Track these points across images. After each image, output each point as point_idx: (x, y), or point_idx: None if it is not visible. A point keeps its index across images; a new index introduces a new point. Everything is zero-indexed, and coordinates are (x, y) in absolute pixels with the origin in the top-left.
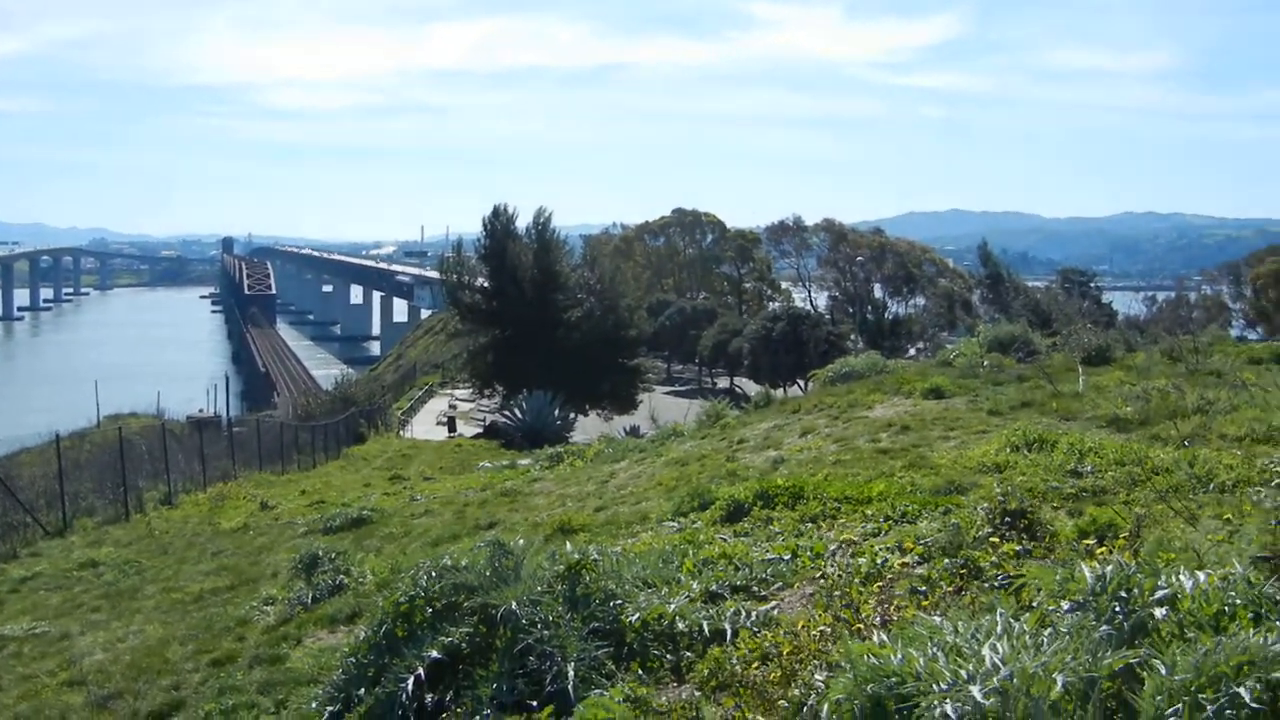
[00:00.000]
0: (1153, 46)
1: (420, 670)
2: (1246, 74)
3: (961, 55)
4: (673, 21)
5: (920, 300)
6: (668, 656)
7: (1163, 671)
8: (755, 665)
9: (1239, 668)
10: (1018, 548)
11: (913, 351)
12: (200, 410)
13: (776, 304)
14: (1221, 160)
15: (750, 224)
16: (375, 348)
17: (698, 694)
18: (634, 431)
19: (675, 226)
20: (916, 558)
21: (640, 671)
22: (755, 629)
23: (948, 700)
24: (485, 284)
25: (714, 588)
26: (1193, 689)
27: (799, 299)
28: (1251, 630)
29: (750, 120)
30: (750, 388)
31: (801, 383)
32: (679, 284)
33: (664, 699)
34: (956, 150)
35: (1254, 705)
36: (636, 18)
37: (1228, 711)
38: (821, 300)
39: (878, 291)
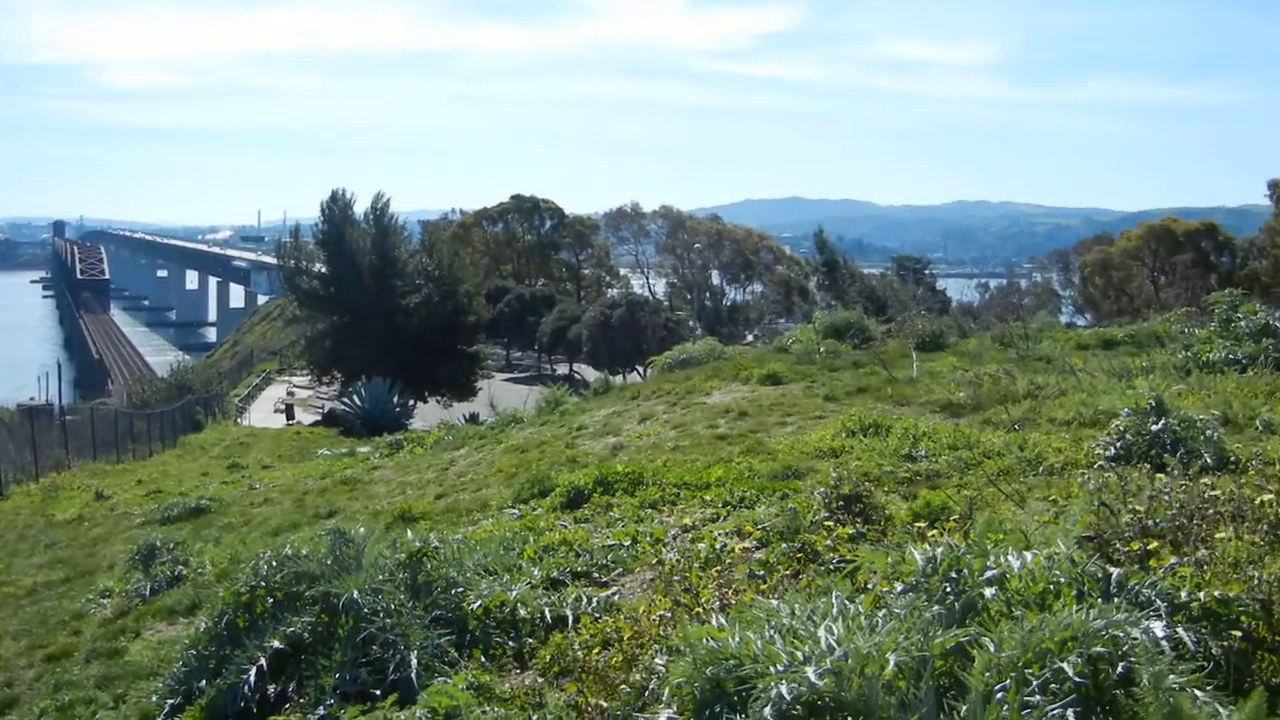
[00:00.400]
0: (984, 39)
1: (262, 661)
2: (1073, 66)
3: (799, 44)
4: (511, 6)
5: (758, 287)
6: (510, 643)
7: (991, 649)
8: (597, 650)
9: (1063, 643)
10: (853, 531)
11: (750, 338)
12: (31, 398)
13: (615, 290)
14: (1050, 150)
15: (589, 210)
16: (212, 334)
17: (540, 680)
18: (474, 418)
19: (514, 213)
20: (755, 542)
21: (483, 659)
22: (596, 615)
23: (784, 681)
24: (323, 270)
25: (555, 574)
26: (1020, 665)
27: (638, 285)
28: (1075, 607)
29: (590, 107)
30: (590, 374)
31: (640, 369)
32: (518, 270)
33: (507, 686)
34: (794, 139)
35: (1077, 679)
36: (473, 2)
37: (1052, 685)
38: (660, 287)
39: (716, 278)
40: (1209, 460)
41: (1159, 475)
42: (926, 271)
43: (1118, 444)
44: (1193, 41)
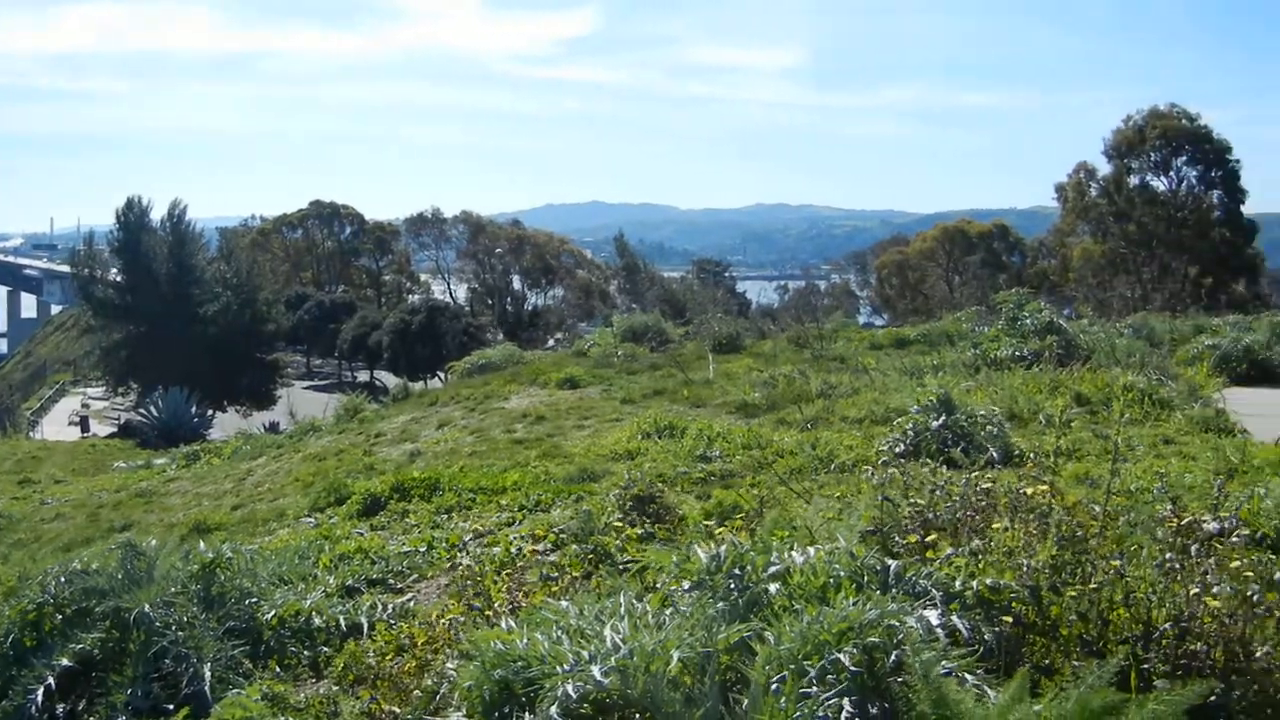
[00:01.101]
0: (786, 44)
1: (50, 680)
2: (871, 72)
3: (601, 49)
4: (316, 9)
5: (559, 291)
6: (305, 653)
7: (772, 642)
8: (391, 657)
9: (840, 635)
10: (642, 532)
11: (552, 342)
12: None
13: (416, 296)
14: (849, 154)
15: (390, 216)
16: (2, 345)
17: (335, 688)
18: (273, 427)
19: (313, 219)
20: (549, 545)
21: (278, 669)
22: (391, 621)
23: (570, 680)
24: (118, 278)
25: (350, 582)
26: (799, 657)
27: (439, 291)
28: (853, 599)
29: (393, 112)
30: (390, 381)
31: (440, 375)
32: (317, 277)
33: (302, 695)
34: (596, 143)
35: (853, 668)
36: (279, 5)
37: (829, 675)
38: (461, 292)
39: (517, 283)
40: (994, 454)
41: (944, 470)
42: (727, 274)
43: (907, 440)
44: (985, 49)
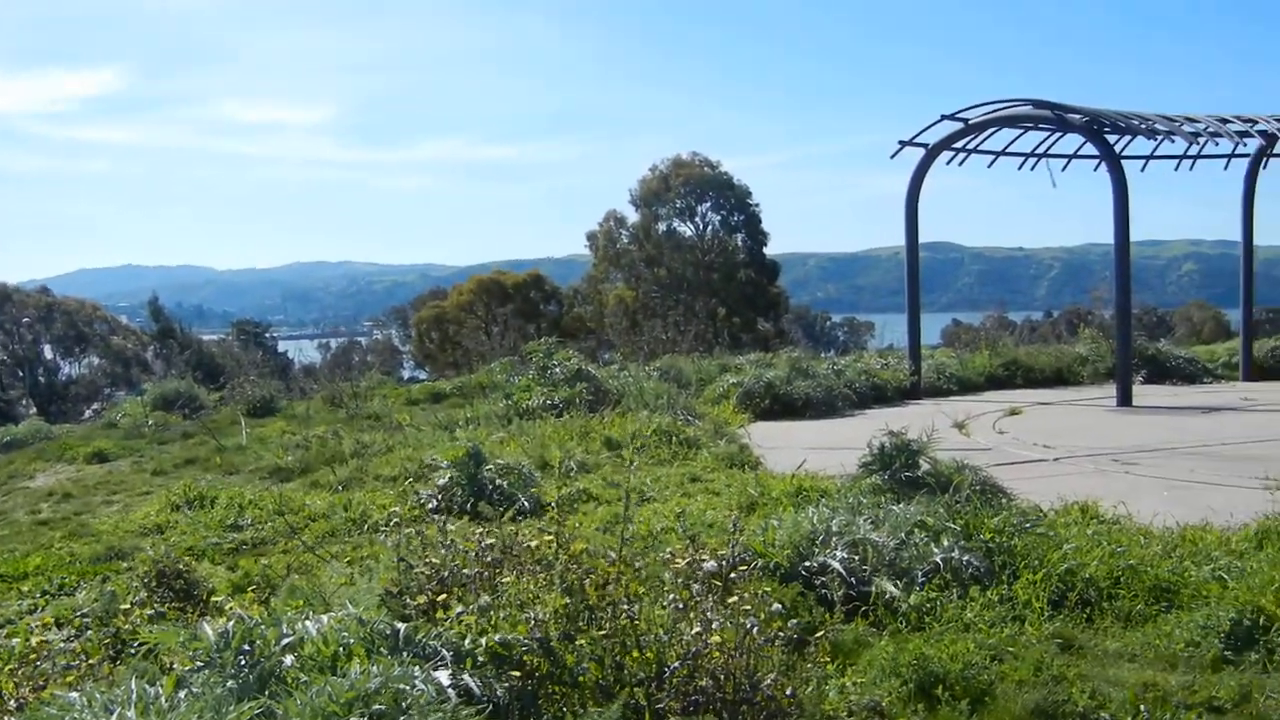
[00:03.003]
0: (315, 100)
1: None
2: (403, 128)
3: (128, 108)
4: None
5: (95, 360)
6: None
7: (280, 717)
8: None
9: (348, 704)
10: (152, 611)
11: (88, 413)
12: None
13: None
14: (387, 209)
15: None
16: None
17: None
18: None
19: None
20: (72, 631)
21: None
22: None
23: None
24: None
25: None
26: None
27: None
28: (362, 666)
29: None
30: None
31: None
32: None
33: None
34: (127, 205)
35: None
36: None
37: None
38: None
39: (49, 353)
40: (525, 504)
41: (475, 524)
42: (267, 334)
43: (439, 496)
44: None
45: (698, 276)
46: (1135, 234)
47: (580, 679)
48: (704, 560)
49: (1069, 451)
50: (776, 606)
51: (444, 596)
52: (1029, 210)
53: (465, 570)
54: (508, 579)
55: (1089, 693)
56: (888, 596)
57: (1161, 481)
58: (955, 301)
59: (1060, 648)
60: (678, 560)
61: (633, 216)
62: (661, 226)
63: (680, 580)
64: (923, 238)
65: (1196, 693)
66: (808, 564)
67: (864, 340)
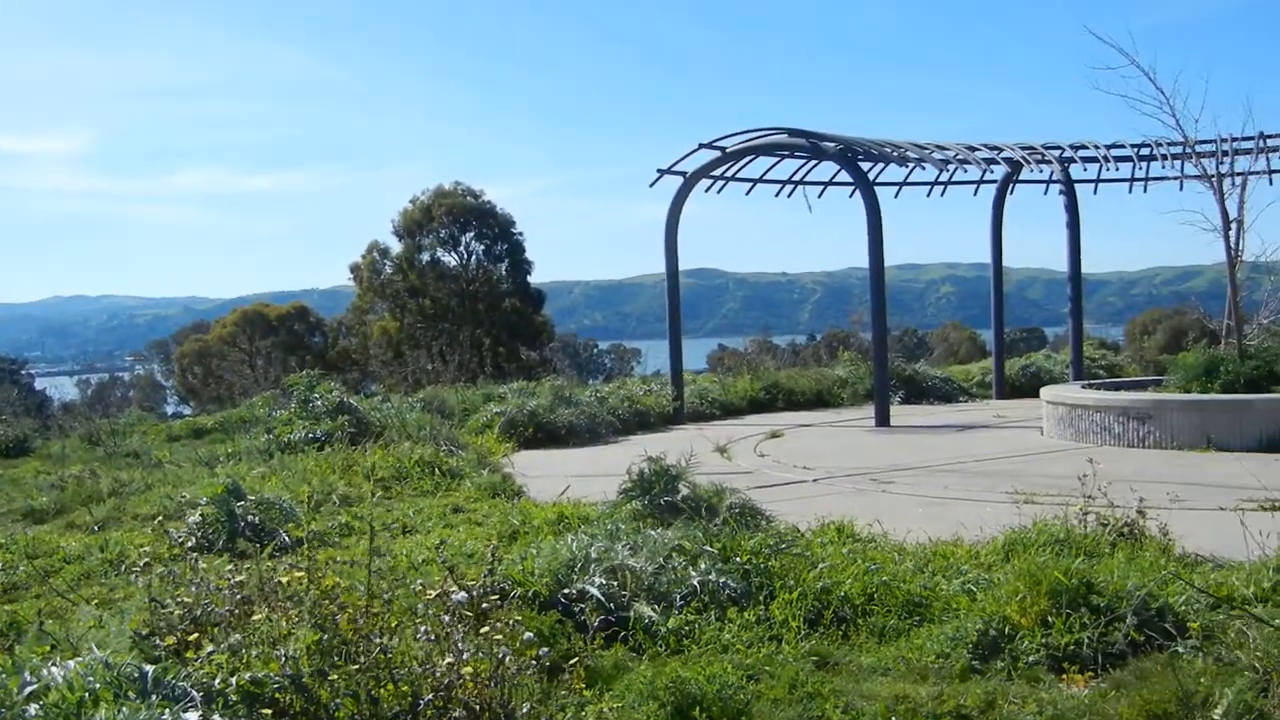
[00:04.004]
0: (65, 130)
1: None
2: (162, 157)
3: None
4: None
5: None
6: None
7: None
8: None
9: None
10: None
11: None
12: None
13: None
14: (148, 241)
15: None
16: None
17: None
18: None
19: None
20: None
21: None
22: None
23: None
24: None
25: None
26: None
27: None
28: (105, 712)
29: None
30: None
31: None
32: None
33: None
34: None
35: None
36: None
37: None
38: None
39: None
40: (285, 539)
41: (236, 561)
42: (23, 371)
43: (199, 533)
44: (281, 130)
45: (462, 306)
46: (895, 258)
47: (336, 714)
48: (453, 591)
49: (828, 472)
50: (529, 635)
51: (196, 636)
52: (792, 236)
53: (218, 609)
54: (259, 616)
55: (842, 707)
56: (646, 621)
57: (917, 499)
58: (720, 327)
59: (816, 665)
60: (429, 591)
61: (396, 247)
62: (425, 256)
63: (432, 612)
64: (688, 264)
65: (945, 702)
66: (567, 591)
67: (630, 367)
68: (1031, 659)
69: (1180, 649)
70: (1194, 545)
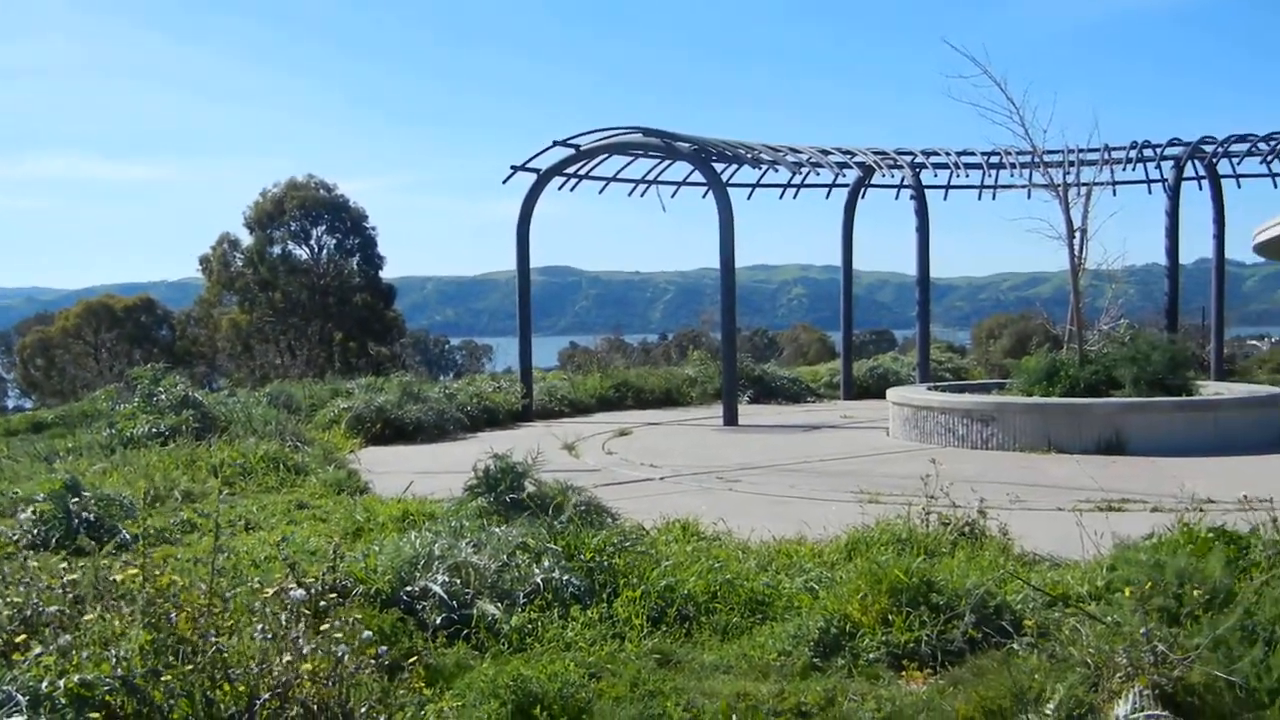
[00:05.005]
0: None
1: None
2: (12, 143)
3: None
4: None
5: None
6: None
7: None
8: None
9: None
10: None
11: None
12: None
13: None
14: None
15: None
16: None
17: None
18: None
19: None
20: None
21: None
22: None
23: None
24: None
25: None
26: None
27: None
28: None
29: None
30: None
31: None
32: None
33: None
34: None
35: None
36: None
37: None
38: None
39: None
40: (126, 536)
41: (73, 559)
42: None
43: (34, 531)
44: (133, 120)
45: (313, 300)
46: (749, 259)
47: (170, 716)
48: (291, 588)
49: (675, 471)
50: (368, 634)
51: (24, 638)
52: (646, 236)
53: (49, 608)
54: (91, 616)
55: (684, 705)
56: (489, 619)
57: (762, 498)
58: (573, 325)
59: (659, 663)
60: (266, 589)
61: (247, 239)
62: (276, 250)
63: (269, 610)
64: (542, 261)
65: (786, 699)
66: (410, 589)
67: (482, 363)
68: (872, 656)
69: (1016, 646)
70: (1032, 545)
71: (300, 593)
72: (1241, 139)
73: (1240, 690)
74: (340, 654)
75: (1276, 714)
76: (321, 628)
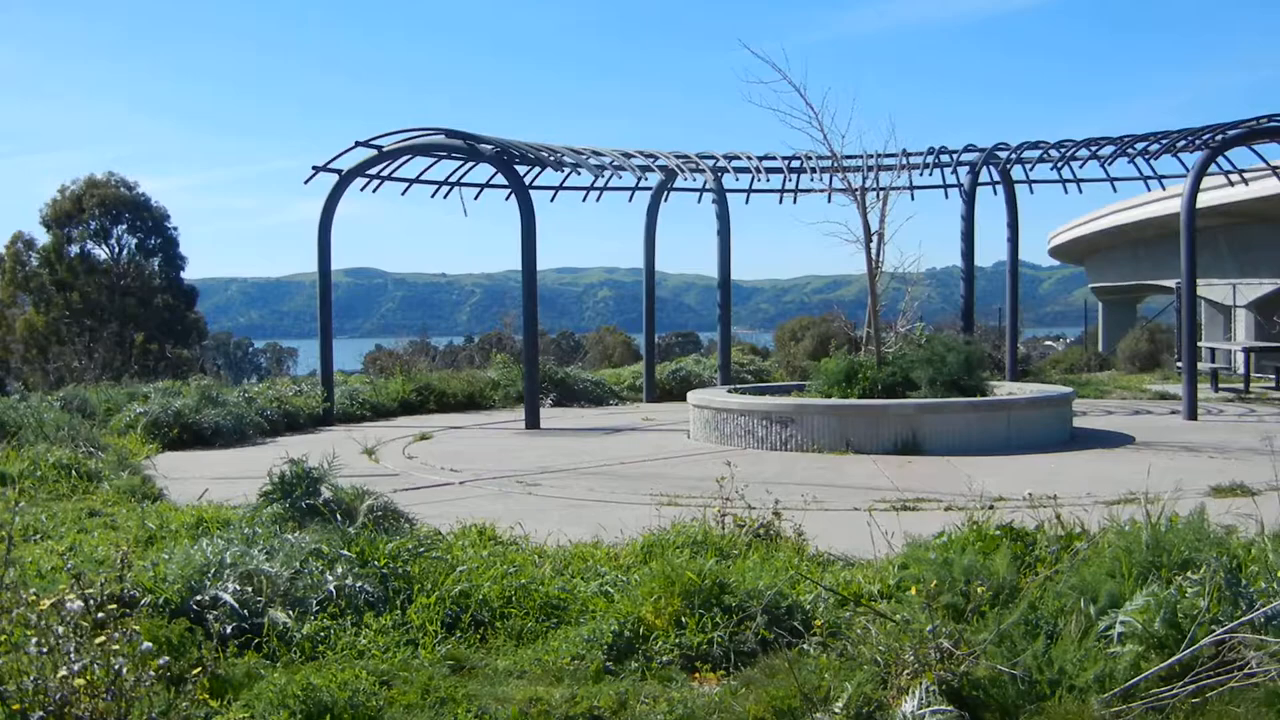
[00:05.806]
0: None
1: None
2: None
3: None
4: None
5: None
6: None
7: None
8: None
9: None
10: None
11: None
12: None
13: None
14: None
15: None
16: None
17: None
18: None
19: None
20: None
21: None
22: None
23: None
24: None
25: None
26: None
27: None
28: None
29: None
30: None
31: None
32: None
33: None
34: None
35: None
36: None
37: None
38: None
39: None
40: None
41: None
42: None
43: None
44: None
45: (113, 301)
46: (555, 261)
47: None
48: (69, 599)
49: (475, 475)
50: (148, 645)
51: None
52: (452, 238)
53: None
54: None
55: (476, 712)
56: (281, 627)
57: (561, 501)
58: (379, 327)
59: (452, 669)
60: (42, 601)
61: (43, 238)
62: (74, 249)
63: (45, 622)
64: (348, 263)
65: (579, 704)
66: (199, 598)
67: (287, 367)
68: (665, 659)
69: (807, 646)
70: (827, 545)
71: (78, 604)
72: (1034, 145)
73: (1023, 683)
74: (118, 666)
75: (1057, 704)
76: (97, 640)
